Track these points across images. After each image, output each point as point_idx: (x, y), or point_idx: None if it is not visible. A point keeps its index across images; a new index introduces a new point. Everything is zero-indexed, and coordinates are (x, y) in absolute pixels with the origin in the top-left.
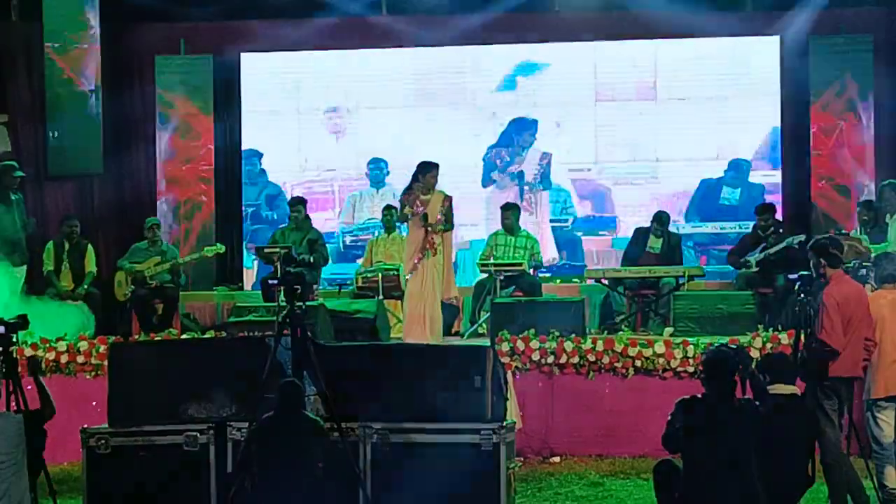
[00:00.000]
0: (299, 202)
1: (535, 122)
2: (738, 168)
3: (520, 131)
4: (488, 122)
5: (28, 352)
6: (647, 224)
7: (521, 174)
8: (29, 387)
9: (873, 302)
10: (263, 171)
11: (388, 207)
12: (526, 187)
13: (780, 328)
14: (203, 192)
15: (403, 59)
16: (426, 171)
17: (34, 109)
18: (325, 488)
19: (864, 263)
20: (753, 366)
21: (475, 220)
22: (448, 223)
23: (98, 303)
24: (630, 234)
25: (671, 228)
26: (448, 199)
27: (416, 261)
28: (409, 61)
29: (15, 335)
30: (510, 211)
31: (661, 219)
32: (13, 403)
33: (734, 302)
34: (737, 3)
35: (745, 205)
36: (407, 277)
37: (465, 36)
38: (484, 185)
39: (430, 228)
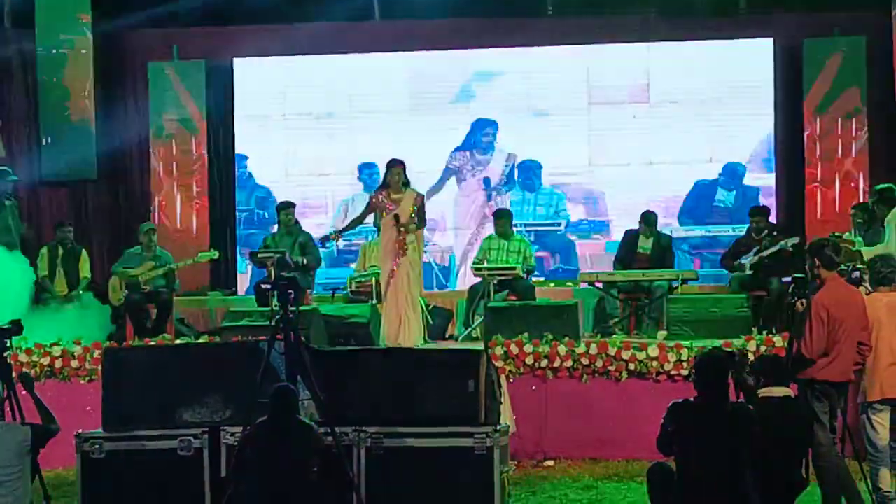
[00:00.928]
0: (288, 205)
1: (494, 122)
2: (733, 173)
3: (490, 133)
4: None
5: (23, 358)
6: (637, 226)
7: (487, 177)
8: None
9: (870, 305)
10: (254, 175)
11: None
12: (493, 192)
13: (774, 331)
14: (196, 197)
15: (396, 63)
16: (388, 169)
17: (27, 115)
18: (320, 493)
19: (858, 266)
20: (746, 369)
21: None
22: (420, 220)
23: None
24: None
25: (664, 231)
26: (420, 196)
27: (392, 266)
28: (402, 66)
29: (9, 340)
30: (503, 217)
31: (648, 219)
32: (7, 409)
33: (728, 305)
34: (730, 6)
35: (739, 208)
36: (388, 280)
37: (457, 40)
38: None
39: (402, 229)
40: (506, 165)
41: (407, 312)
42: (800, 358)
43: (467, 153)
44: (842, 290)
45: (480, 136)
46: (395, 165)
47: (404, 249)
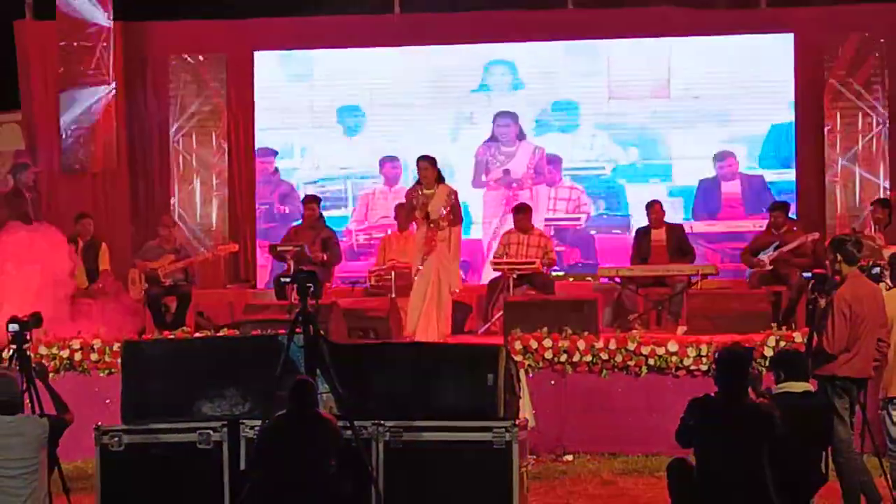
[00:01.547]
0: (313, 200)
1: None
2: (722, 158)
3: (509, 125)
4: (499, 119)
5: (43, 350)
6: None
7: (512, 170)
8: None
9: (888, 301)
10: (277, 169)
11: (400, 206)
12: (514, 184)
13: (793, 327)
14: (216, 190)
15: (417, 56)
16: (416, 165)
17: (48, 107)
18: (338, 486)
19: (878, 262)
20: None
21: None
22: (455, 217)
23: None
24: None
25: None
26: (453, 193)
27: (420, 263)
28: (423, 59)
29: (29, 333)
30: (523, 211)
31: (652, 208)
32: (27, 401)
33: (748, 300)
34: (751, 1)
35: (748, 196)
36: (414, 277)
37: (478, 33)
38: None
39: (432, 224)
40: (531, 158)
41: (429, 309)
42: (821, 353)
43: (493, 146)
44: (863, 286)
45: (502, 128)
46: (422, 161)
47: (433, 246)
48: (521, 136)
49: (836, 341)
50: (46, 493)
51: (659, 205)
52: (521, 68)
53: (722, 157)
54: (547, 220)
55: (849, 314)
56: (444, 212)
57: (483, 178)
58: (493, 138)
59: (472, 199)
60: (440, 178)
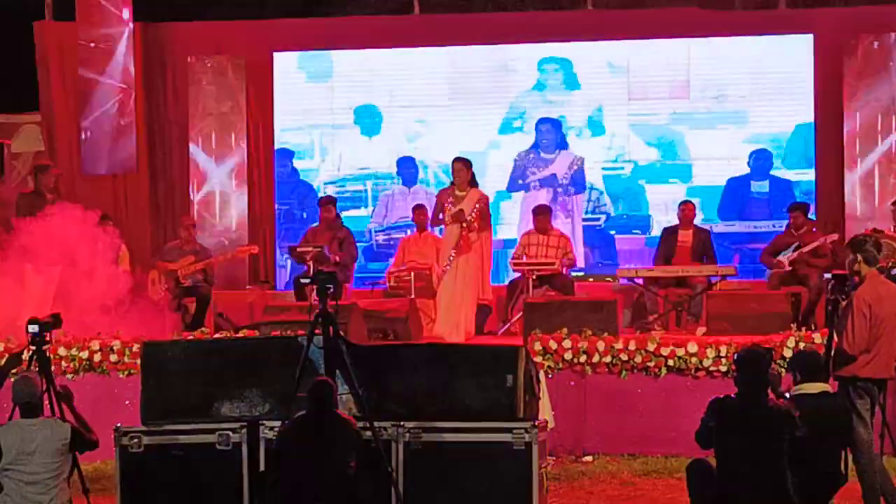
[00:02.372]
0: (329, 202)
1: (559, 122)
2: (760, 158)
3: (550, 132)
4: (520, 122)
5: (62, 352)
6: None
7: (552, 177)
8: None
9: None
10: (296, 170)
11: (418, 207)
12: (559, 189)
13: (813, 327)
14: (236, 192)
15: (436, 57)
16: (452, 166)
17: (68, 109)
18: (358, 487)
19: (894, 264)
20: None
21: (508, 221)
22: (484, 222)
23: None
24: None
25: (702, 225)
26: (483, 198)
27: (450, 257)
28: (442, 60)
29: (48, 334)
30: (542, 213)
31: (684, 209)
32: (46, 402)
33: (767, 301)
34: (770, 1)
35: (774, 198)
36: (445, 268)
37: (497, 34)
38: (513, 188)
39: (464, 224)
40: (571, 165)
41: (449, 310)
42: (841, 354)
43: (532, 153)
44: (882, 287)
45: (543, 134)
46: (456, 162)
47: (465, 247)
48: (561, 144)
49: (857, 342)
50: (69, 501)
51: (691, 205)
52: (538, 70)
53: (682, 203)
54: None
55: (869, 314)
56: (473, 216)
57: (525, 183)
58: (535, 145)
59: (513, 205)
60: (473, 182)
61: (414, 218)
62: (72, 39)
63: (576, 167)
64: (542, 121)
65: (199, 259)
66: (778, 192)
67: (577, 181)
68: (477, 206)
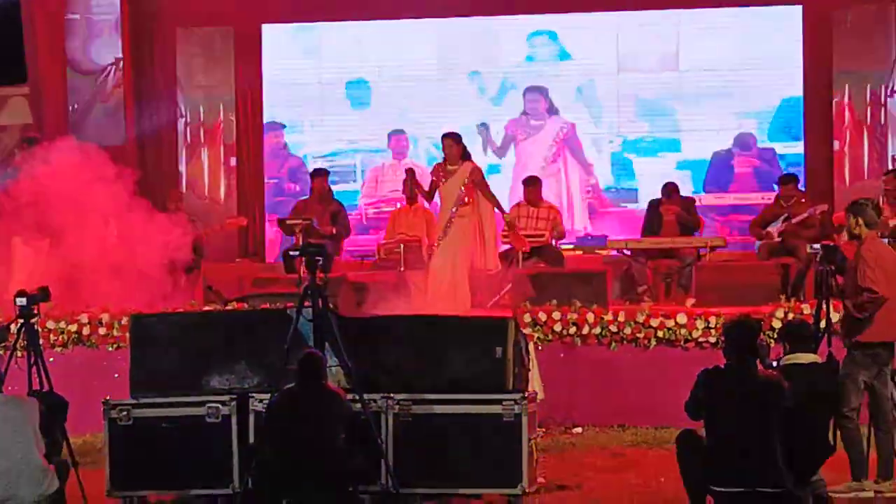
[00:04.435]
0: (321, 173)
1: (546, 89)
2: (745, 137)
3: (537, 100)
4: (509, 94)
5: (51, 325)
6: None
7: (541, 143)
8: None
9: None
10: (286, 143)
11: (406, 180)
12: (547, 158)
13: (802, 298)
14: (224, 164)
15: (425, 29)
16: (442, 143)
17: (55, 81)
18: (347, 459)
19: (884, 234)
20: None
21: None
22: (484, 193)
23: None
24: None
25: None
26: (476, 170)
27: (437, 238)
28: (432, 32)
29: (36, 307)
30: (532, 184)
31: (668, 189)
32: (35, 376)
33: (756, 272)
34: None
35: (761, 169)
36: (436, 245)
37: (487, 6)
38: (503, 156)
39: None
40: (559, 131)
41: (436, 282)
42: (852, 318)
43: (523, 119)
44: (883, 247)
45: (530, 102)
46: (445, 138)
47: (452, 222)
48: (552, 110)
49: (881, 287)
50: (43, 468)
51: (674, 186)
52: (528, 42)
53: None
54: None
55: (876, 266)
56: (462, 190)
57: (517, 152)
58: (524, 112)
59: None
60: (465, 155)
61: (403, 189)
62: (59, 11)
63: (564, 132)
64: (529, 89)
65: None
66: (765, 165)
67: (571, 148)
68: (468, 179)
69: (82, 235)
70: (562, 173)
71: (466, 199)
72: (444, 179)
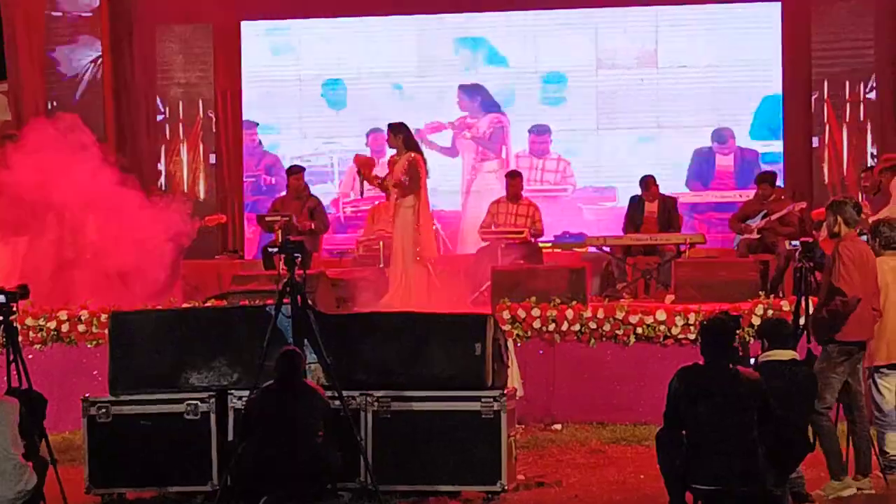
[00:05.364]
0: (297, 170)
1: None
2: (720, 138)
3: (510, 101)
4: (486, 92)
5: (30, 322)
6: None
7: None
8: None
9: (878, 269)
10: (261, 141)
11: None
12: (516, 156)
13: (781, 295)
14: (204, 161)
15: (404, 26)
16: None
17: (35, 78)
18: (326, 456)
19: (864, 231)
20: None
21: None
22: (412, 183)
23: None
24: None
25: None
26: (412, 159)
27: (389, 230)
28: (410, 29)
29: (15, 304)
30: (515, 178)
31: (646, 183)
32: (14, 373)
33: (735, 269)
34: None
35: (740, 170)
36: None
37: (466, 3)
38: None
39: (388, 190)
40: (493, 127)
41: (395, 276)
42: (820, 318)
43: (465, 117)
44: (861, 247)
45: (473, 101)
46: (388, 130)
47: (398, 212)
48: (487, 107)
49: (855, 284)
50: (21, 465)
51: (652, 178)
52: (508, 39)
53: (644, 178)
54: (534, 190)
55: (856, 263)
56: (404, 178)
57: (460, 148)
58: (469, 109)
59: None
60: (409, 145)
61: (351, 184)
62: (39, 8)
63: (496, 126)
64: (462, 87)
65: None
66: (744, 163)
67: (547, 146)
68: (406, 168)
69: (66, 229)
70: (539, 171)
71: (394, 192)
72: (388, 170)
